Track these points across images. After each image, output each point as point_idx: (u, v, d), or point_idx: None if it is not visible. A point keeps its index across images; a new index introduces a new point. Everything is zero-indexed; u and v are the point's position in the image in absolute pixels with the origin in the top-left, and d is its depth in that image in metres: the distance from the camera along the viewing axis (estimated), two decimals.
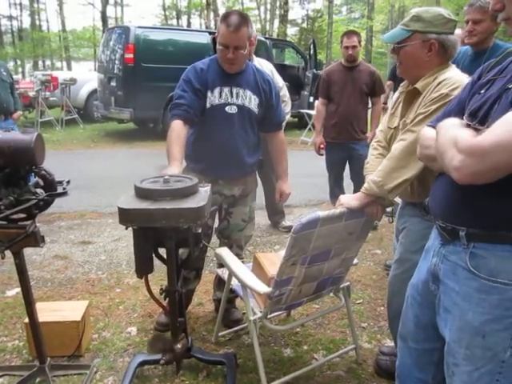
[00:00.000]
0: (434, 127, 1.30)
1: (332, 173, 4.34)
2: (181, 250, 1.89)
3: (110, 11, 32.11)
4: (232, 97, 2.31)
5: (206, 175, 2.36)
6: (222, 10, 28.62)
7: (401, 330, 1.60)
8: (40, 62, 31.37)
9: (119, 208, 1.57)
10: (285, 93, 3.88)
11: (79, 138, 9.68)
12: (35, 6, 31.46)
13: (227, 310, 2.57)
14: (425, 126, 1.44)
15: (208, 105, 2.30)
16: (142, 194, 1.62)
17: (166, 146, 2.19)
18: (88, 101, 11.20)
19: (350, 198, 1.86)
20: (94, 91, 10.59)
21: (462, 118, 1.23)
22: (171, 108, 2.27)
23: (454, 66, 1.84)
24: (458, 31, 3.50)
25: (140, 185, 1.65)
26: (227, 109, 2.31)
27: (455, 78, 1.69)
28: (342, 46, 4.06)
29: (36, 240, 1.90)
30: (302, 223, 1.72)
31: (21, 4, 31.20)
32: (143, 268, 1.75)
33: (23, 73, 27.82)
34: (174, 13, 30.73)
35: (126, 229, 1.67)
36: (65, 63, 31.31)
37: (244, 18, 2.21)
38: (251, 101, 2.35)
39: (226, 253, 2.21)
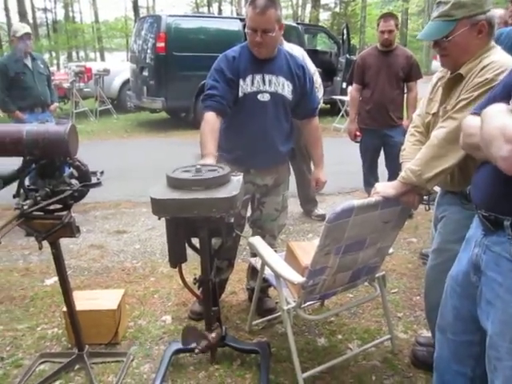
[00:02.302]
0: (478, 114, 1.22)
1: (366, 160, 4.25)
2: (214, 240, 1.89)
3: (142, 1, 32.41)
4: (264, 84, 2.27)
5: (238, 165, 2.33)
6: None
7: (439, 321, 1.56)
8: (74, 54, 31.94)
9: (151, 198, 1.57)
10: (317, 79, 3.80)
11: (113, 128, 9.84)
12: None
13: (260, 299, 2.57)
14: (467, 113, 1.37)
15: (241, 93, 2.26)
16: (174, 183, 1.62)
17: (198, 136, 2.18)
18: (121, 91, 11.34)
19: (386, 187, 1.80)
20: (127, 81, 10.71)
21: (508, 104, 1.16)
22: (204, 99, 2.25)
23: (498, 47, 1.72)
24: (500, 11, 3.35)
25: (172, 174, 1.64)
26: (259, 97, 2.27)
27: (501, 62, 1.58)
28: (377, 30, 3.93)
29: (72, 230, 1.93)
30: (336, 212, 1.68)
31: None
32: (176, 257, 1.75)
33: (58, 65, 28.40)
34: (205, 0, 30.65)
35: (159, 219, 1.68)
36: (98, 54, 31.79)
37: (271, 1, 2.15)
38: (284, 87, 2.30)
39: (258, 242, 2.19)
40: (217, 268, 2.57)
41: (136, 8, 22.57)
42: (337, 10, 27.12)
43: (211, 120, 2.16)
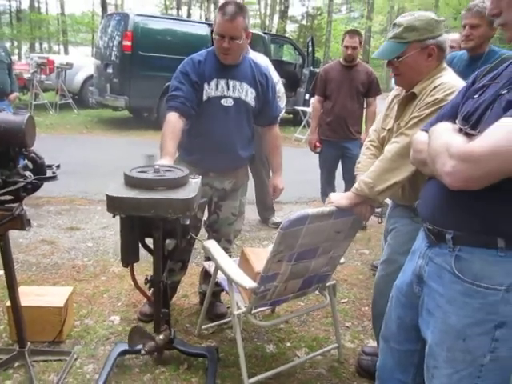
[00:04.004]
0: (427, 131, 1.30)
1: (324, 171, 4.34)
2: (168, 241, 1.88)
3: None
4: (228, 89, 2.30)
5: (197, 167, 2.34)
6: (222, 2, 28.43)
7: (383, 330, 1.61)
8: (37, 45, 30.94)
9: (107, 196, 1.55)
10: (280, 88, 3.88)
11: (72, 123, 9.59)
12: None
13: (212, 304, 2.57)
14: (419, 129, 1.44)
15: (205, 97, 2.28)
16: (131, 182, 1.61)
17: (159, 136, 2.17)
18: (83, 86, 11.07)
19: (340, 197, 1.85)
20: (90, 77, 10.47)
21: (455, 123, 1.23)
22: (168, 99, 2.25)
23: (450, 69, 1.83)
24: (455, 35, 3.53)
25: (130, 173, 1.63)
26: (223, 101, 2.29)
27: (451, 83, 1.69)
28: (342, 45, 4.05)
29: (22, 223, 1.88)
30: (290, 219, 1.72)
31: None
32: (129, 257, 1.74)
33: (19, 54, 27.46)
34: (175, 3, 30.45)
35: (114, 217, 1.66)
36: (62, 47, 30.93)
37: (240, 9, 2.20)
38: (248, 94, 2.34)
39: (213, 246, 2.20)
40: (169, 270, 2.56)
41: (104, 4, 22.12)
42: (304, 22, 27.63)
43: (173, 121, 2.16)
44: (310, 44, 10.89)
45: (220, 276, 2.25)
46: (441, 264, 1.25)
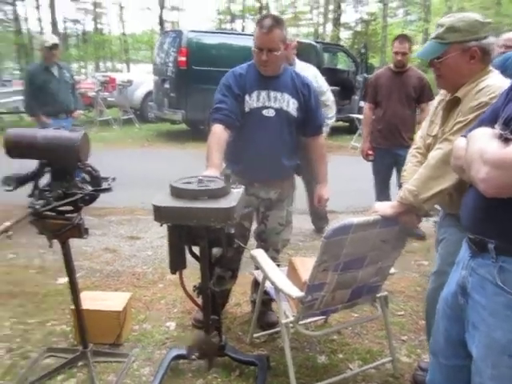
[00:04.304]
0: (466, 137, 1.27)
1: (378, 179, 4.27)
2: (215, 249, 1.94)
3: (168, 15, 33.11)
4: (269, 100, 2.35)
5: (242, 177, 2.40)
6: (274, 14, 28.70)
7: (431, 344, 1.57)
8: (101, 64, 32.77)
9: (153, 205, 1.64)
10: (328, 97, 3.88)
11: (134, 137, 10.05)
12: (98, 10, 32.92)
13: (263, 313, 2.60)
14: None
15: (247, 108, 2.35)
16: (175, 192, 1.69)
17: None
18: (144, 102, 11.58)
19: (384, 206, 1.84)
20: (150, 92, 10.94)
21: (494, 127, 1.20)
22: (212, 112, 2.33)
23: (496, 71, 1.77)
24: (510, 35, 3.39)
25: (174, 184, 1.71)
26: (264, 112, 2.35)
27: (496, 85, 1.63)
28: (392, 50, 4.01)
29: (80, 232, 2.01)
30: (333, 228, 1.73)
31: (85, 9, 32.74)
32: (176, 264, 1.82)
33: (86, 74, 29.13)
34: (229, 17, 31.16)
35: (161, 225, 1.75)
36: (124, 65, 32.52)
37: (277, 21, 2.25)
38: (289, 104, 2.37)
39: (260, 255, 2.24)
40: (219, 278, 2.61)
41: (161, 22, 23.09)
42: (358, 29, 27.24)
43: (218, 132, 2.24)
44: (362, 50, 10.77)
45: (268, 285, 2.28)
46: (484, 275, 1.21)
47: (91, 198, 2.09)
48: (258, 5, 21.88)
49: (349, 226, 1.74)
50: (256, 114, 2.35)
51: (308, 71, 3.69)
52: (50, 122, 4.77)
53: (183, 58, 8.65)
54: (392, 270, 2.20)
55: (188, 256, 1.90)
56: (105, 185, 2.18)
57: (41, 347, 2.45)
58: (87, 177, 2.10)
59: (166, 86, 9.23)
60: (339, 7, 20.38)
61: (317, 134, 2.58)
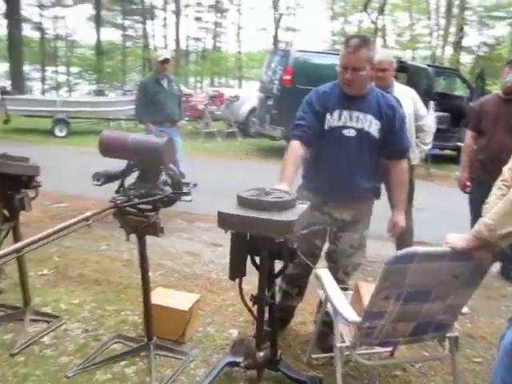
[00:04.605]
0: None
1: (473, 212, 3.96)
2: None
3: (283, 36, 34.14)
4: (351, 120, 2.33)
5: (317, 195, 2.41)
6: (390, 37, 28.14)
7: None
8: (216, 79, 34.63)
9: (218, 212, 1.71)
10: (426, 122, 3.72)
11: (235, 150, 10.45)
12: (218, 29, 34.97)
13: (324, 334, 2.54)
14: None
15: (326, 127, 2.34)
16: (241, 202, 1.75)
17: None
18: (248, 117, 12.02)
19: (456, 238, 1.72)
20: (255, 108, 11.32)
21: None
22: (292, 128, 2.38)
23: None
24: None
25: (241, 194, 1.77)
26: (345, 132, 2.33)
27: None
28: (502, 76, 3.72)
29: (156, 230, 2.16)
30: (395, 256, 1.67)
31: (206, 28, 34.97)
32: (235, 271, 1.86)
33: (201, 88, 30.96)
34: (342, 39, 31.20)
35: (226, 232, 1.81)
36: (237, 81, 34.03)
37: (364, 41, 2.24)
38: (371, 125, 2.33)
39: (324, 275, 2.21)
40: (286, 293, 2.65)
41: (275, 42, 23.86)
42: (480, 53, 25.58)
43: (295, 148, 2.28)
44: (479, 76, 10.13)
45: (330, 306, 2.24)
46: None
47: (170, 200, 2.25)
48: (373, 26, 21.62)
49: (412, 255, 1.66)
50: (336, 132, 2.34)
51: (406, 94, 3.59)
52: (154, 129, 5.18)
53: (288, 77, 8.85)
54: (465, 310, 2.04)
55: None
56: (185, 189, 2.32)
57: (112, 333, 2.64)
58: (169, 180, 2.26)
59: (270, 102, 9.48)
60: (461, 30, 19.33)
61: (399, 158, 2.49)
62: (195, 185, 2.49)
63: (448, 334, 2.08)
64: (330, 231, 2.54)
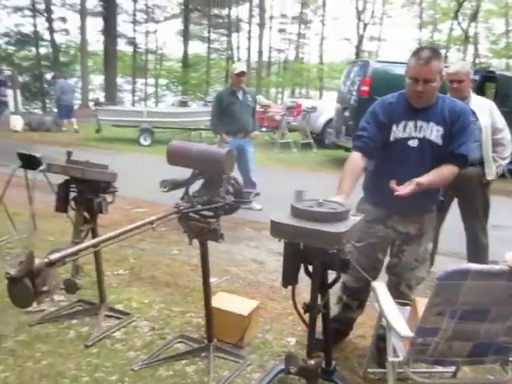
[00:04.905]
0: None
1: None
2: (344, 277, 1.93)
3: (368, 45, 33.65)
4: (416, 130, 2.30)
5: (380, 208, 2.39)
6: (483, 45, 26.64)
7: None
8: (297, 90, 34.88)
9: (271, 221, 1.78)
10: (505, 135, 3.52)
11: (310, 161, 10.46)
12: (301, 40, 35.28)
13: (382, 349, 2.49)
14: None
15: (391, 138, 2.33)
16: (294, 212, 1.80)
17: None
18: (324, 128, 12.00)
19: None
20: (332, 119, 11.28)
21: None
22: (353, 139, 2.39)
23: None
24: None
25: (295, 204, 1.82)
26: (410, 142, 2.30)
27: None
28: None
29: (216, 235, 2.27)
30: (447, 271, 1.63)
31: (289, 39, 35.44)
32: (288, 279, 1.91)
33: (282, 99, 31.34)
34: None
35: (279, 241, 1.87)
36: (318, 92, 34.02)
37: (435, 52, 2.21)
38: (433, 132, 2.29)
39: (380, 288, 2.19)
40: (346, 306, 2.65)
41: (358, 52, 23.59)
42: None
43: (354, 159, 2.29)
44: None
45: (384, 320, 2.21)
46: None
47: (231, 208, 2.35)
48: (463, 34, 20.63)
49: (465, 271, 1.61)
50: (400, 144, 2.32)
51: (483, 106, 3.46)
52: (229, 140, 5.38)
53: (366, 88, 8.73)
54: None
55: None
56: (246, 198, 2.42)
57: (176, 333, 2.80)
58: (231, 188, 2.37)
59: (346, 114, 9.41)
60: None
61: (453, 164, 2.31)
62: (257, 194, 2.58)
63: (511, 358, 1.98)
64: (392, 244, 2.50)
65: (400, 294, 2.44)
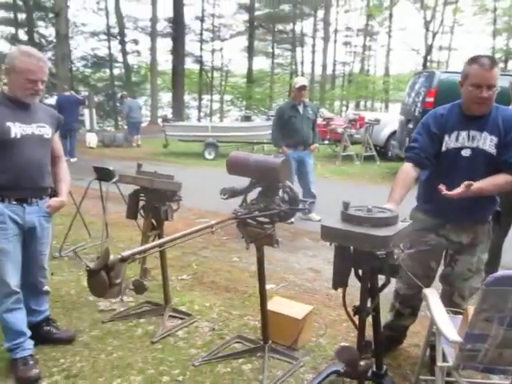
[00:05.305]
0: None
1: None
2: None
3: (438, 56, 32.69)
4: (469, 140, 2.32)
5: (432, 217, 2.43)
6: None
7: None
8: (362, 103, 34.51)
9: (321, 225, 1.89)
10: None
11: (372, 173, 10.35)
12: (366, 53, 35.00)
13: (434, 357, 2.51)
14: None
15: (444, 148, 2.36)
16: (342, 217, 1.90)
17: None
18: (388, 140, 11.83)
19: None
20: (395, 132, 11.11)
21: None
22: (405, 150, 2.45)
23: None
24: None
25: (344, 210, 1.92)
26: (462, 152, 2.33)
27: None
28: None
29: (271, 241, 2.42)
30: (495, 277, 1.66)
31: (355, 52, 35.26)
32: (338, 282, 2.01)
33: (346, 112, 31.17)
34: (503, 57, 28.66)
35: (330, 245, 1.98)
36: (383, 105, 33.47)
37: (494, 60, 2.26)
38: (486, 141, 2.30)
39: (431, 294, 2.22)
40: (398, 312, 2.70)
41: (425, 63, 23.00)
42: None
43: (406, 170, 2.35)
44: None
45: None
46: None
47: (286, 215, 2.49)
48: None
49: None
50: (452, 153, 2.36)
51: None
52: (289, 152, 5.53)
53: (431, 99, 8.54)
54: None
55: None
56: (301, 206, 2.55)
57: (234, 333, 2.97)
58: (286, 196, 2.51)
59: (410, 125, 9.24)
60: None
61: (508, 173, 2.29)
62: (312, 202, 2.70)
63: None
64: (445, 253, 2.52)
65: (453, 303, 2.44)
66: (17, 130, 2.39)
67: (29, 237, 2.54)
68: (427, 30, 26.09)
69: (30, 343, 2.56)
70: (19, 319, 2.52)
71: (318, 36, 32.10)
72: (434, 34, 25.89)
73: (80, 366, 2.62)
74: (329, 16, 30.15)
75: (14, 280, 2.45)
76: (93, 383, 2.46)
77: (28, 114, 2.47)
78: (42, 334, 2.76)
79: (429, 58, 26.91)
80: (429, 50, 25.70)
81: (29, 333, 2.57)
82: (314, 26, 31.97)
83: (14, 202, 2.42)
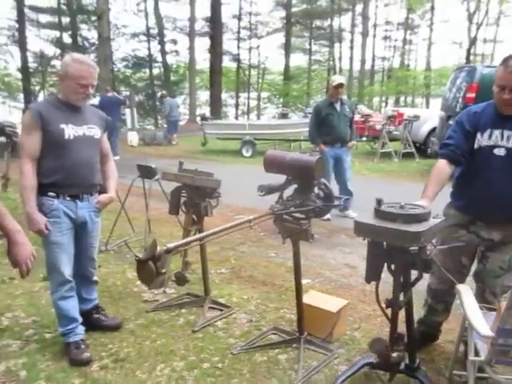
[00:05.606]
0: None
1: None
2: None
3: (482, 48, 31.71)
4: (502, 139, 2.33)
5: (464, 213, 2.46)
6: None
7: None
8: (402, 99, 33.87)
9: (354, 221, 1.98)
10: None
11: (410, 171, 10.21)
12: (406, 47, 34.28)
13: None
14: None
15: (476, 145, 2.39)
16: (377, 213, 1.98)
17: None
18: (428, 137, 11.62)
19: None
20: (435, 128, 10.91)
21: None
22: (440, 147, 2.49)
23: None
24: None
25: (377, 206, 2.00)
26: (495, 151, 2.35)
27: None
28: None
29: (307, 236, 2.51)
30: None
31: (395, 46, 34.63)
32: (370, 276, 2.09)
33: (385, 108, 30.67)
34: None
35: (364, 239, 2.06)
36: (424, 100, 32.73)
37: None
38: None
39: (464, 290, 2.25)
40: (431, 308, 2.74)
41: (468, 56, 22.36)
42: None
43: (440, 166, 2.39)
44: None
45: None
46: None
47: (321, 211, 2.57)
48: None
49: None
50: (485, 151, 2.38)
51: None
52: (326, 150, 5.59)
53: (472, 95, 8.36)
54: None
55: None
56: (335, 202, 2.63)
57: (271, 325, 3.08)
58: (321, 193, 2.59)
59: (450, 122, 9.08)
60: None
61: None
62: (348, 199, 2.78)
63: None
64: (478, 250, 2.54)
65: (485, 300, 2.46)
66: (70, 131, 2.58)
67: (80, 230, 2.73)
68: (470, 22, 25.35)
69: (81, 329, 2.76)
70: (72, 306, 2.72)
71: (356, 31, 31.75)
72: (478, 26, 25.12)
73: (127, 351, 2.80)
74: (367, 10, 29.77)
75: (67, 270, 2.65)
76: (139, 367, 2.63)
77: (79, 117, 2.66)
78: (91, 321, 2.96)
79: (472, 51, 26.12)
80: (472, 42, 24.96)
81: (80, 319, 2.77)
82: (352, 21, 31.61)
83: (68, 198, 2.62)
